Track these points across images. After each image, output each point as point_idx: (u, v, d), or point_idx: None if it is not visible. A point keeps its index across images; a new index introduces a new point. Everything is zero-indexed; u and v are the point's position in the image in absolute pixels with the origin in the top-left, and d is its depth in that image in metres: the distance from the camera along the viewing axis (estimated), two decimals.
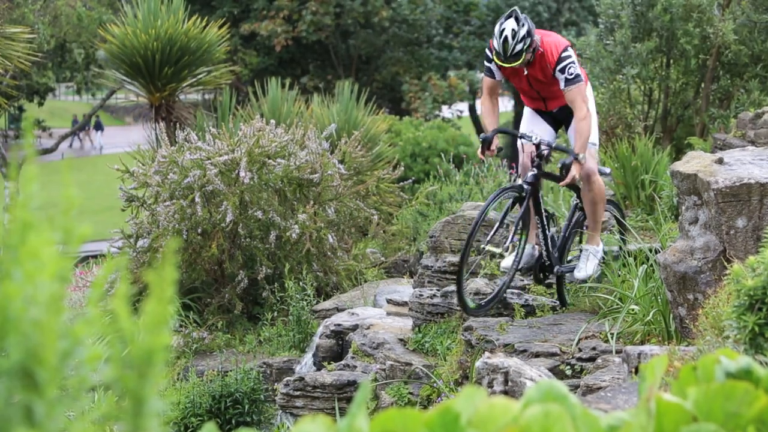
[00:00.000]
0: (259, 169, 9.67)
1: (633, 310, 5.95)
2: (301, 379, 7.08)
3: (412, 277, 9.51)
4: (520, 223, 6.28)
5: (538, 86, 6.40)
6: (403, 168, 12.03)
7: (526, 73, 6.31)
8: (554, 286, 6.91)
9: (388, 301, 8.21)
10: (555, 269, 6.58)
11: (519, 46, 6.06)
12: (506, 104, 46.17)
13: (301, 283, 8.90)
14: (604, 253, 6.78)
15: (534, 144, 6.25)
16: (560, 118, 6.61)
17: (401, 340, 7.16)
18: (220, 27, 13.55)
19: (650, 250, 6.42)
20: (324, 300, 9.55)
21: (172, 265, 1.07)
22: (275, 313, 9.29)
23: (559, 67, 6.17)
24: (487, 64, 6.40)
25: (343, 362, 7.43)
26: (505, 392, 4.79)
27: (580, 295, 6.82)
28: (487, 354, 5.25)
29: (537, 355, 5.83)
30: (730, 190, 4.97)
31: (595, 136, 6.43)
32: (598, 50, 10.84)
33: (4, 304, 1.04)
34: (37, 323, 1.05)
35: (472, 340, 6.19)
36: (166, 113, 13.08)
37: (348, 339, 7.72)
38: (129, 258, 9.73)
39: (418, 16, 27.55)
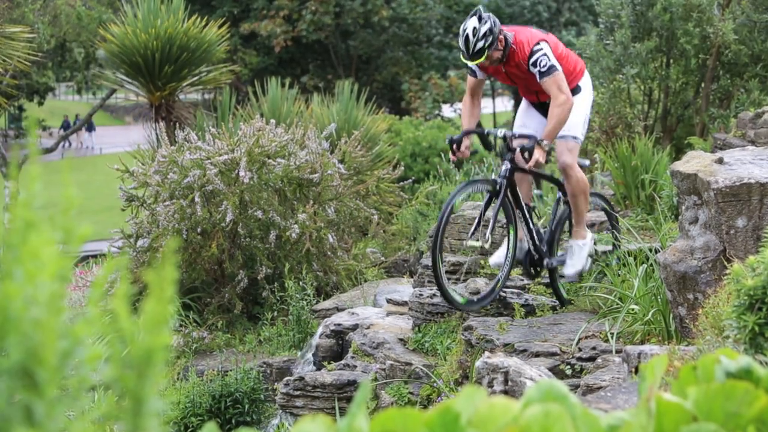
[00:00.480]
0: (259, 168, 9.67)
1: (633, 309, 5.95)
2: (301, 378, 7.08)
3: (412, 277, 9.51)
4: (504, 217, 6.31)
5: (519, 81, 6.44)
6: (403, 168, 12.03)
7: (504, 70, 6.35)
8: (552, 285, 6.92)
9: (388, 301, 8.20)
10: (545, 262, 6.59)
11: (480, 44, 6.10)
12: (506, 104, 46.17)
13: (301, 283, 8.90)
14: (596, 251, 6.79)
15: (500, 138, 6.28)
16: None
17: (401, 339, 7.16)
18: (220, 26, 13.55)
19: (650, 250, 6.43)
20: (324, 300, 9.55)
21: (172, 265, 1.07)
22: (275, 313, 9.29)
23: (531, 61, 6.21)
24: (462, 59, 6.44)
25: (343, 362, 7.43)
26: (505, 392, 4.79)
27: (580, 295, 6.82)
28: (487, 354, 5.25)
29: (537, 354, 5.83)
30: (730, 189, 4.97)
31: (578, 131, 6.41)
32: (598, 50, 10.84)
33: (4, 303, 1.04)
34: (37, 323, 1.05)
35: (472, 339, 6.19)
36: (166, 113, 13.08)
37: (348, 339, 7.72)
38: (129, 258, 9.73)
39: (417, 15, 27.54)
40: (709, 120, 10.43)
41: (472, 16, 6.17)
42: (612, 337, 5.79)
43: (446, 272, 7.63)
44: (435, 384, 6.40)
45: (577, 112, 6.40)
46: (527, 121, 6.61)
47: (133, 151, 12.35)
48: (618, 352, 5.57)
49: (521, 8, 32.23)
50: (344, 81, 15.06)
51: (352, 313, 8.20)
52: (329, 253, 9.85)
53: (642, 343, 5.61)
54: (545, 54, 6.20)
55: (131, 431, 1.08)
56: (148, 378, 1.07)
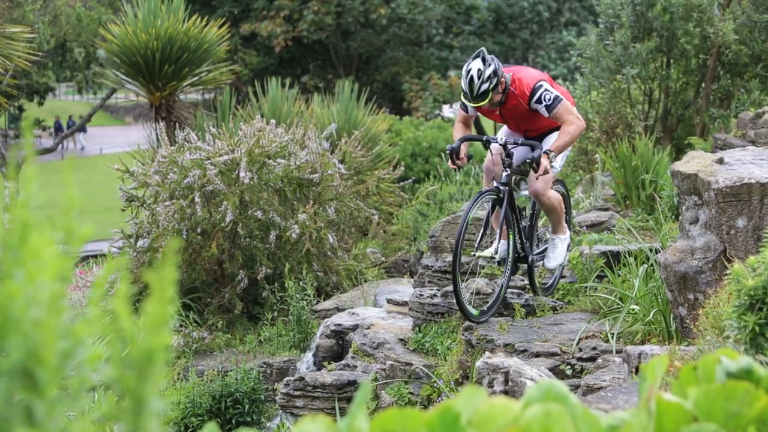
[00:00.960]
0: (259, 169, 9.67)
1: (633, 309, 5.95)
2: (302, 378, 7.08)
3: (412, 277, 9.51)
4: (504, 223, 6.36)
5: (512, 120, 6.48)
6: (403, 168, 12.03)
7: (499, 111, 6.38)
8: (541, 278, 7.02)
9: (389, 301, 8.20)
10: (528, 258, 6.65)
11: (485, 86, 6.10)
12: None
13: (301, 283, 8.90)
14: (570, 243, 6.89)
15: (500, 144, 6.29)
16: (539, 140, 6.66)
17: (401, 340, 7.16)
18: (220, 27, 13.56)
19: (651, 250, 6.43)
20: (324, 300, 9.55)
21: (172, 265, 1.07)
22: (275, 313, 9.29)
23: (534, 99, 6.24)
24: (462, 99, 6.42)
25: (343, 362, 7.43)
26: (506, 392, 4.79)
27: (581, 295, 6.82)
28: (487, 354, 5.25)
29: (537, 354, 5.83)
30: (730, 189, 4.97)
31: (557, 162, 6.42)
32: (598, 50, 10.84)
33: (4, 304, 1.04)
34: (37, 323, 1.05)
35: (472, 339, 6.19)
36: (166, 113, 13.08)
37: (348, 339, 7.72)
38: (129, 258, 9.73)
39: (415, 15, 27.54)
40: (709, 120, 10.43)
41: (475, 58, 6.15)
42: (612, 338, 5.79)
43: (446, 272, 7.64)
44: (435, 384, 6.40)
45: None
46: (513, 137, 6.64)
47: (133, 152, 12.35)
48: (618, 352, 5.57)
49: (521, 8, 32.23)
50: (344, 81, 15.07)
51: (353, 314, 8.20)
52: (329, 253, 9.85)
53: (642, 343, 5.61)
54: (546, 89, 6.23)
55: (131, 431, 1.08)
56: (149, 378, 1.07)
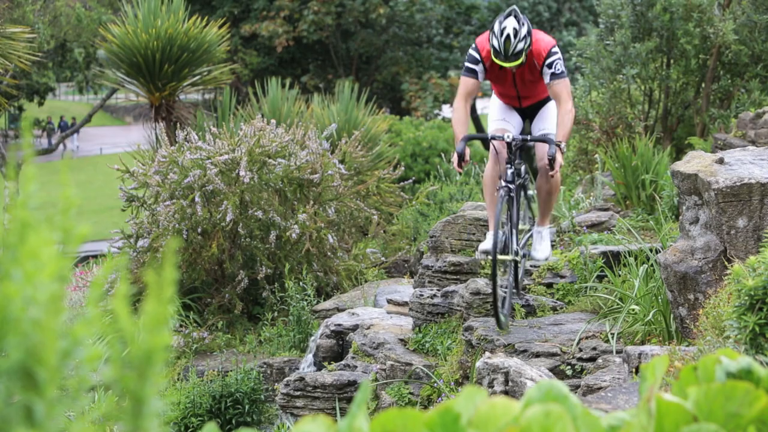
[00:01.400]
0: (260, 168, 9.67)
1: (633, 310, 5.95)
2: (302, 379, 7.08)
3: (412, 277, 9.51)
4: (509, 219, 6.30)
5: (521, 86, 6.42)
6: (403, 168, 12.02)
7: (513, 71, 6.31)
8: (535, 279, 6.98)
9: (389, 301, 8.20)
10: (515, 249, 6.60)
11: (521, 45, 6.06)
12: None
13: (301, 283, 8.90)
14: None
15: (507, 142, 6.23)
16: (528, 113, 6.65)
17: (401, 340, 7.16)
18: (220, 27, 13.56)
19: (651, 250, 6.43)
20: (324, 300, 9.55)
21: (172, 265, 1.07)
22: (275, 313, 9.29)
23: (547, 63, 6.20)
24: (471, 65, 6.29)
25: (343, 362, 7.43)
26: (506, 392, 4.79)
27: (581, 295, 6.82)
28: (487, 354, 5.25)
29: (537, 355, 5.83)
30: (730, 190, 4.97)
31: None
32: (598, 50, 10.84)
33: (4, 304, 1.04)
34: (37, 323, 1.04)
35: (472, 340, 6.19)
36: (166, 113, 13.08)
37: (348, 339, 7.72)
38: (129, 258, 9.73)
39: (413, 13, 27.53)
40: (709, 120, 10.43)
41: (508, 16, 6.09)
42: (612, 338, 5.79)
43: (446, 272, 7.63)
44: (435, 384, 6.40)
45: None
46: (507, 116, 6.59)
47: (133, 152, 12.35)
48: (618, 352, 5.57)
49: (521, 9, 32.25)
50: (344, 81, 15.08)
51: (353, 314, 8.20)
52: (329, 253, 9.85)
53: (642, 343, 5.61)
54: (560, 58, 6.24)
55: (131, 431, 1.07)
56: (149, 378, 1.07)
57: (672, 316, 5.46)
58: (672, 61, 10.69)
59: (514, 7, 6.24)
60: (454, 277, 7.57)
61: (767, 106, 9.48)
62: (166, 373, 7.05)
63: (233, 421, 7.57)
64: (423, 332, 7.03)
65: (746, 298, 3.43)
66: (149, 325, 1.07)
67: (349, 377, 7.00)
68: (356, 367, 7.22)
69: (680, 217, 5.56)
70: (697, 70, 10.65)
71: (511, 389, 4.79)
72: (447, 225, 8.03)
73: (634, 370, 4.66)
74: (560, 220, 8.91)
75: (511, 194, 6.18)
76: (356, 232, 11.02)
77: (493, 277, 5.85)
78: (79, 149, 43.24)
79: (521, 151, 6.34)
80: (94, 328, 1.09)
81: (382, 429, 1.09)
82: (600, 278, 6.91)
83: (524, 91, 6.46)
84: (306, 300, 8.74)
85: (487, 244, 6.20)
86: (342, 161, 10.88)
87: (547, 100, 6.51)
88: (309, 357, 8.17)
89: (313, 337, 8.42)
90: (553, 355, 5.82)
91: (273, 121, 10.42)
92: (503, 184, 6.17)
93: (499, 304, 5.96)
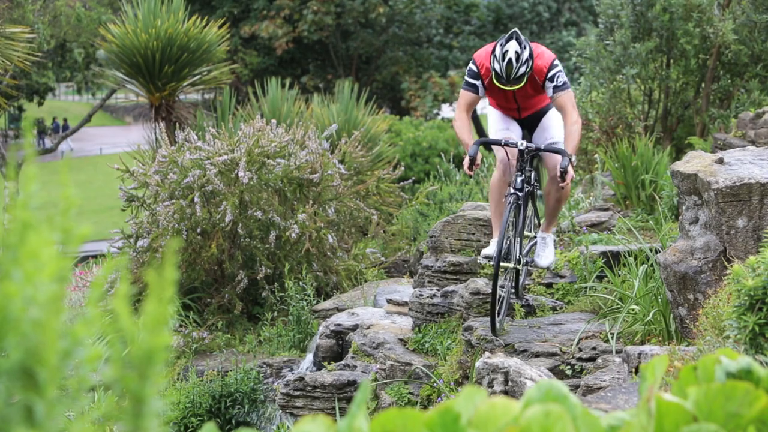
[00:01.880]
0: (259, 169, 9.67)
1: (633, 310, 5.95)
2: (301, 379, 7.08)
3: (412, 277, 9.51)
4: (514, 226, 6.30)
5: (522, 99, 6.42)
6: (403, 168, 12.02)
7: (515, 89, 6.32)
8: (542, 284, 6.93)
9: (388, 301, 8.20)
10: (518, 256, 6.61)
11: (523, 69, 6.04)
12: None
13: (301, 283, 8.90)
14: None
15: (519, 149, 6.21)
16: (527, 122, 6.63)
17: (401, 340, 7.16)
18: (220, 27, 13.56)
19: (651, 250, 6.43)
20: (324, 300, 9.55)
21: (172, 265, 1.07)
22: (275, 313, 9.29)
23: (548, 76, 6.19)
24: (471, 80, 6.28)
25: (343, 362, 7.44)
26: (506, 392, 4.79)
27: (581, 296, 6.82)
28: (487, 354, 5.25)
29: (537, 355, 5.83)
30: (730, 190, 4.97)
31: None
32: (598, 50, 10.84)
33: (4, 304, 1.04)
34: (37, 323, 1.05)
35: (472, 340, 6.19)
36: (166, 113, 13.08)
37: (348, 339, 7.72)
38: (129, 258, 9.73)
39: (413, 11, 27.52)
40: (709, 120, 10.43)
41: (510, 40, 6.07)
42: (612, 338, 5.79)
43: (446, 272, 7.64)
44: (435, 384, 6.40)
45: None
46: (509, 125, 6.58)
47: (133, 152, 12.35)
48: (618, 352, 5.57)
49: (521, 9, 32.25)
50: (344, 81, 15.07)
51: (352, 314, 8.20)
52: (329, 253, 9.85)
53: (642, 343, 5.61)
54: (560, 70, 6.23)
55: (131, 431, 1.07)
56: (149, 378, 1.07)
57: (672, 316, 5.46)
58: (672, 61, 10.69)
59: (516, 30, 6.22)
60: (454, 277, 7.57)
61: (767, 106, 9.48)
62: (166, 373, 7.05)
63: (233, 421, 7.57)
64: (423, 332, 7.03)
65: (746, 298, 3.43)
66: (149, 325, 1.07)
67: (349, 377, 7.00)
68: (356, 367, 7.22)
69: (680, 217, 5.57)
70: (696, 70, 10.65)
71: (511, 389, 4.79)
72: (447, 225, 8.03)
73: (633, 370, 4.66)
74: (560, 220, 8.91)
75: (519, 202, 6.16)
76: (356, 232, 11.02)
77: (494, 285, 5.86)
78: (73, 151, 43.19)
79: (532, 159, 6.33)
80: (94, 328, 1.09)
81: (382, 429, 1.09)
82: (600, 278, 6.91)
83: (524, 103, 6.46)
84: (306, 300, 8.74)
85: (490, 249, 6.21)
86: (342, 161, 10.88)
87: (546, 108, 6.50)
88: (309, 357, 8.17)
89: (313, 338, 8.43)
90: (553, 355, 5.82)
91: (273, 121, 10.42)
92: (512, 191, 6.15)
93: (496, 309, 5.97)
